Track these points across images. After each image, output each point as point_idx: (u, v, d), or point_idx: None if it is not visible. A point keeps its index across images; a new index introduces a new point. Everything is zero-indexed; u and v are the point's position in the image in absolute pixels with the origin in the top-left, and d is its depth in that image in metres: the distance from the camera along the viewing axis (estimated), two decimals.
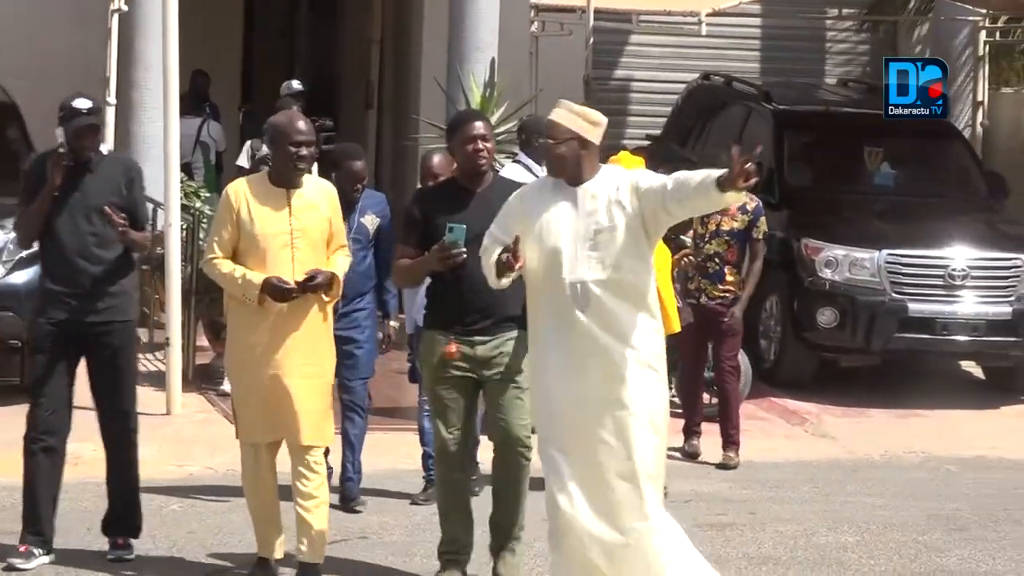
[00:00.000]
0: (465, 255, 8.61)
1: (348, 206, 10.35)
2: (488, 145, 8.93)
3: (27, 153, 13.49)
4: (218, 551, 9.83)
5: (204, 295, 14.28)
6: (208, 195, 16.92)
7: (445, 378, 8.96)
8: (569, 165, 8.23)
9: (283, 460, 9.02)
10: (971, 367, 16.37)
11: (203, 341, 14.67)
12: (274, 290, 8.69)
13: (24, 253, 12.22)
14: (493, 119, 16.04)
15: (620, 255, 8.09)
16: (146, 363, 14.71)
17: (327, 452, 10.37)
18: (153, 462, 11.80)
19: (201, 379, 14.29)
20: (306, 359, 8.88)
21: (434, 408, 9.12)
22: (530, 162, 12.26)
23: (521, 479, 9.00)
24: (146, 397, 13.50)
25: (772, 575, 9.79)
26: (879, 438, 13.84)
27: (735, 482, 12.12)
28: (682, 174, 8.05)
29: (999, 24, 19.24)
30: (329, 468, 10.41)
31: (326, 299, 8.93)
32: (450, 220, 8.71)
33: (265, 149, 14.08)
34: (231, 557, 9.61)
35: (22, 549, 9.19)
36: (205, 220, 15.25)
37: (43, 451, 9.23)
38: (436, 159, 10.63)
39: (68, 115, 9.16)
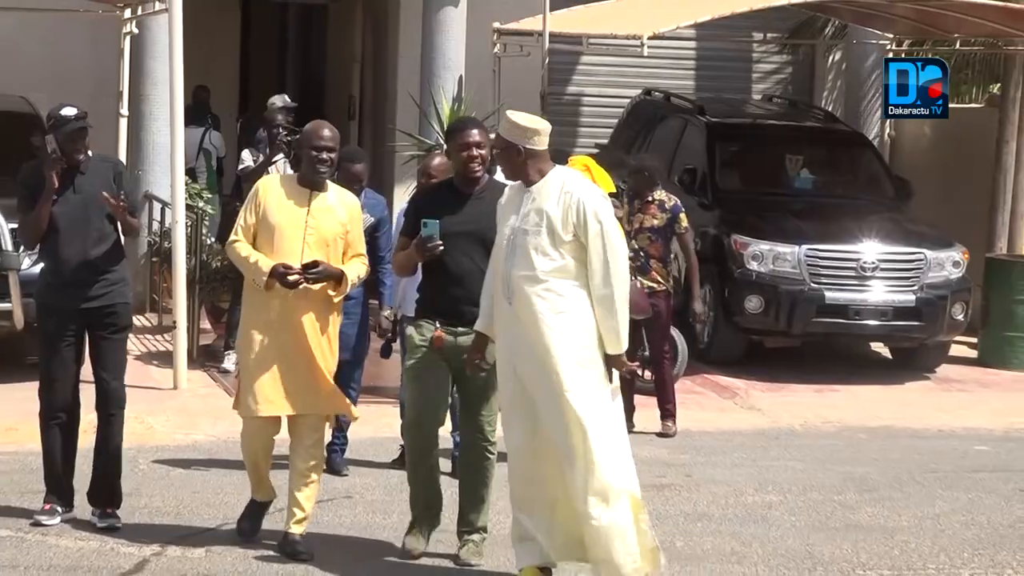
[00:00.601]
0: (441, 247, 8.51)
1: None
2: (482, 152, 8.68)
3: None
4: (219, 508, 9.83)
5: (207, 283, 14.30)
6: (210, 196, 16.93)
7: (426, 361, 8.71)
8: (509, 168, 8.33)
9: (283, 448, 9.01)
10: (880, 348, 16.44)
11: (206, 324, 14.69)
12: (279, 276, 8.57)
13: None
14: None
15: (538, 254, 8.10)
16: (155, 344, 14.70)
17: (343, 427, 10.57)
18: (162, 431, 11.82)
19: (204, 358, 14.30)
20: (312, 340, 8.72)
21: (410, 388, 8.85)
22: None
23: (486, 475, 8.81)
24: (155, 374, 13.55)
25: (706, 531, 9.82)
26: (799, 410, 13.89)
27: (673, 449, 12.14)
28: (606, 303, 8.06)
29: (904, 47, 19.28)
30: (346, 439, 10.81)
31: (332, 294, 8.74)
32: (444, 218, 8.58)
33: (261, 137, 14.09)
34: (231, 512, 9.61)
35: (46, 507, 9.24)
36: (207, 218, 15.25)
37: (58, 426, 9.23)
38: (436, 160, 10.41)
39: (59, 123, 9.08)
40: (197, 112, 19.34)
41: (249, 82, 24.91)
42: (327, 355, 8.82)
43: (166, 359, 13.67)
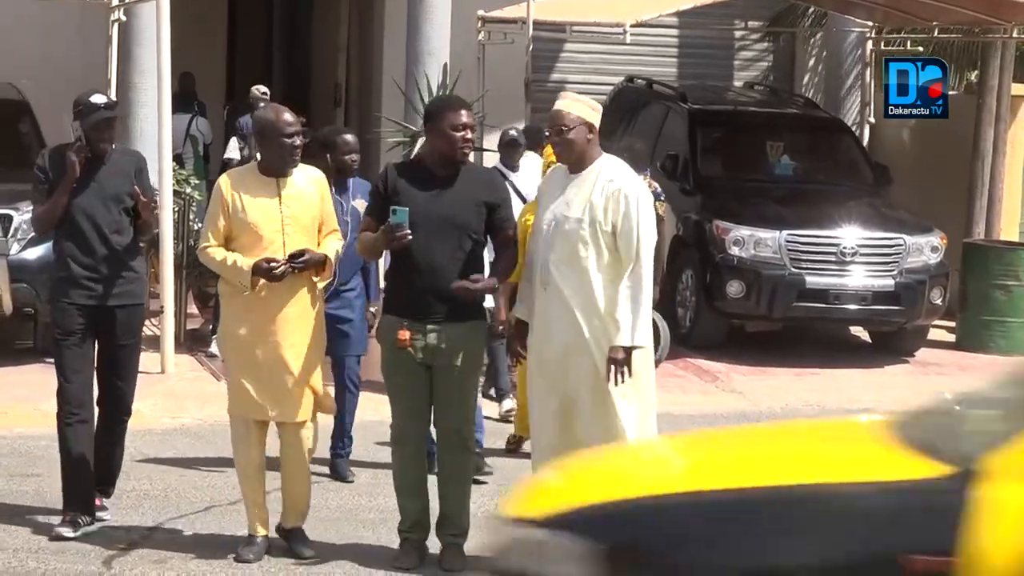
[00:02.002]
0: (409, 236, 7.98)
1: (343, 184, 9.93)
2: (471, 136, 8.24)
3: (38, 144, 13.43)
4: (207, 491, 9.83)
5: (193, 268, 14.27)
6: (197, 182, 16.86)
7: (399, 362, 8.26)
8: (570, 150, 8.06)
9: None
10: (859, 332, 16.45)
11: (193, 309, 14.67)
12: (264, 272, 8.20)
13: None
14: None
15: (580, 243, 7.98)
16: (143, 328, 14.67)
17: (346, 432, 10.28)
18: (150, 415, 11.78)
19: (191, 342, 14.28)
20: (297, 336, 8.34)
21: (389, 392, 8.48)
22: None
23: (466, 474, 8.50)
24: (143, 358, 13.45)
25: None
26: (780, 393, 13.90)
27: (658, 430, 12.13)
28: (631, 289, 7.95)
29: (883, 35, 19.29)
30: (351, 442, 10.36)
31: (316, 279, 8.39)
32: (416, 202, 8.09)
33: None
34: (218, 495, 9.60)
35: (67, 517, 8.70)
36: (194, 204, 15.21)
37: (78, 423, 8.70)
38: None
39: (87, 110, 8.64)
40: (184, 99, 19.31)
41: (236, 70, 24.88)
42: (313, 350, 8.45)
43: (153, 343, 13.63)
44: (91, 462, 8.76)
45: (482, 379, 10.83)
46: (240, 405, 8.48)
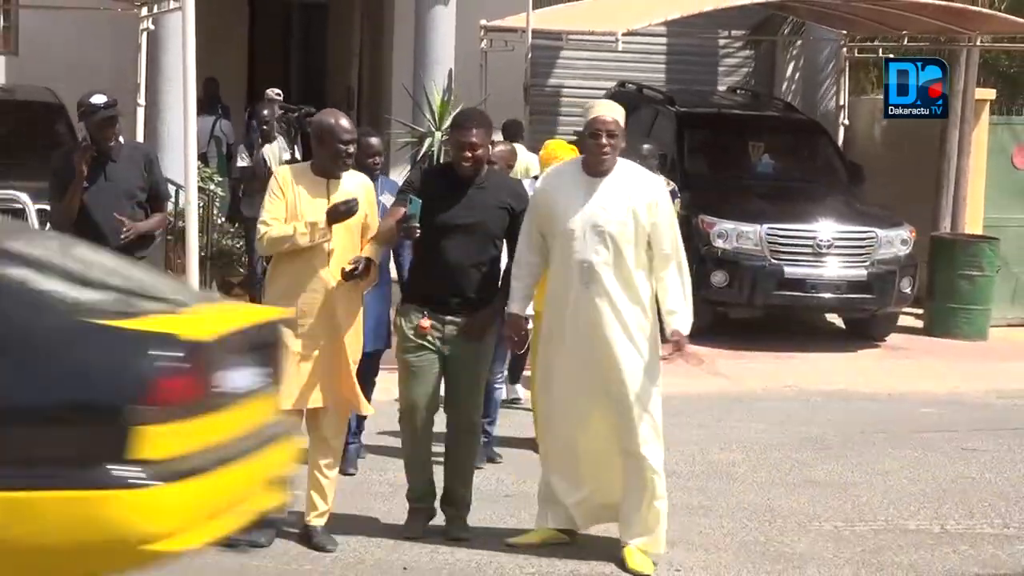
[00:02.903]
0: (419, 229, 7.80)
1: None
2: (477, 153, 7.96)
3: (73, 145, 13.41)
4: None
5: (217, 259, 14.26)
6: (220, 180, 16.89)
7: (415, 347, 8.08)
8: (606, 154, 7.84)
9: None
10: (834, 319, 16.44)
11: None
12: (337, 212, 7.74)
13: None
14: (449, 119, 16.02)
15: (625, 243, 7.82)
16: None
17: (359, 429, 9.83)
18: None
19: None
20: (338, 332, 7.95)
21: (402, 375, 8.23)
22: None
23: (473, 453, 8.44)
24: None
25: (675, 486, 9.74)
26: (761, 376, 13.89)
27: None
28: (681, 278, 7.99)
29: (856, 43, 19.26)
30: (359, 441, 9.87)
31: (362, 283, 8.02)
32: (445, 206, 7.94)
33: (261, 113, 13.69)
34: None
35: None
36: (218, 199, 15.20)
37: None
38: (497, 149, 9.70)
39: (88, 111, 8.52)
40: (208, 103, 19.29)
41: (256, 75, 24.84)
42: (355, 345, 8.10)
43: None
44: None
45: (504, 372, 10.79)
46: (287, 394, 7.74)
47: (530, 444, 9.79)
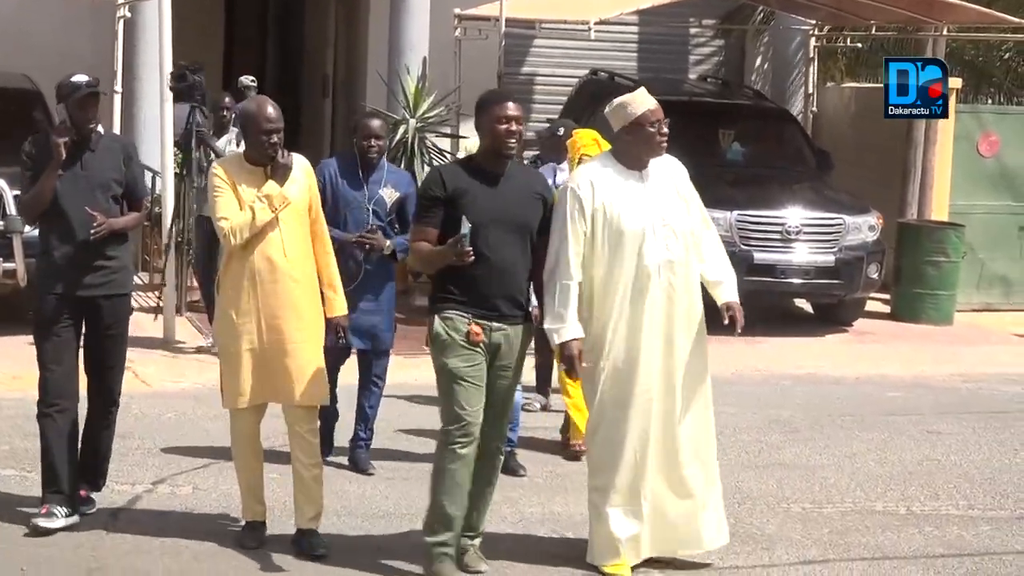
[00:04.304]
0: (472, 255, 7.10)
1: (366, 169, 9.14)
2: (520, 128, 7.31)
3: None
4: (205, 450, 9.79)
5: (192, 244, 14.21)
6: None
7: (468, 355, 7.24)
8: (653, 148, 7.48)
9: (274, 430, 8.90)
10: (803, 304, 16.47)
11: (193, 282, 14.60)
12: (276, 171, 7.58)
13: None
14: (423, 106, 16.01)
15: (692, 237, 7.56)
16: (147, 300, 14.60)
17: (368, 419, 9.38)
18: (153, 379, 11.75)
19: (190, 311, 14.23)
20: (299, 323, 7.65)
21: (448, 387, 7.27)
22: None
23: (495, 477, 7.61)
24: (148, 326, 13.43)
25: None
26: (731, 359, 13.86)
27: None
28: (716, 252, 7.70)
29: (825, 32, 19.28)
30: (371, 433, 9.40)
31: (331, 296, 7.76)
32: (477, 203, 7.21)
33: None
34: (217, 454, 9.57)
35: (43, 510, 7.89)
36: (193, 186, 15.14)
37: (57, 414, 7.90)
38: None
39: (69, 89, 7.83)
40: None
41: (233, 62, 24.76)
42: (319, 335, 7.77)
43: (153, 313, 13.59)
44: (71, 454, 7.98)
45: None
46: (235, 393, 7.77)
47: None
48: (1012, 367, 14.15)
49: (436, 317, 7.30)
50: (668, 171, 7.70)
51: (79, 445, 8.12)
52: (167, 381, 11.83)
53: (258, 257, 7.63)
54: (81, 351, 8.11)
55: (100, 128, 8.12)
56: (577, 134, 10.25)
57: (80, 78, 7.91)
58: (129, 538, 7.95)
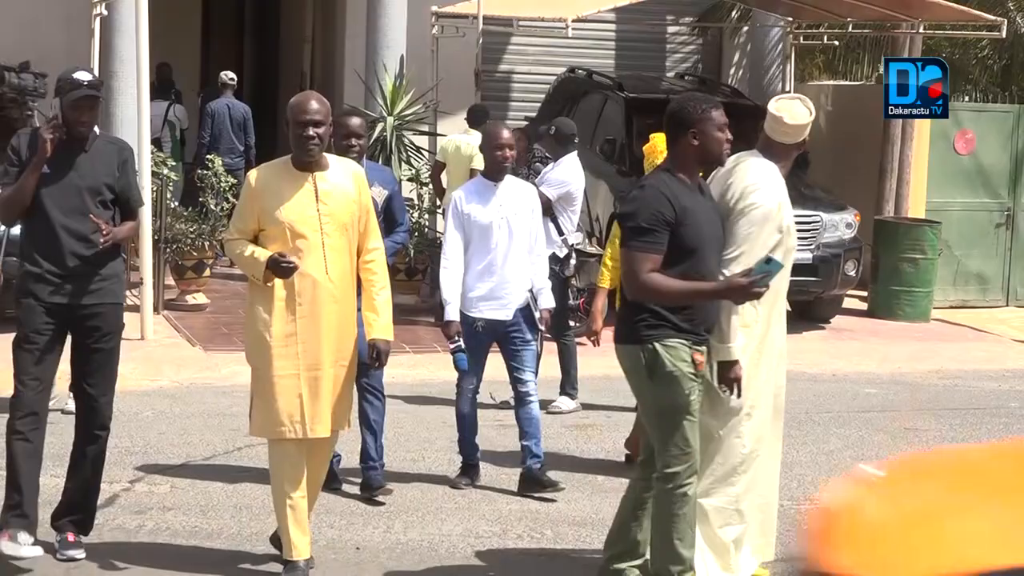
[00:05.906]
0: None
1: None
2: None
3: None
4: (183, 448, 9.77)
5: (171, 243, 14.21)
6: (174, 164, 16.80)
7: (693, 388, 6.61)
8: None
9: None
10: None
11: (170, 280, 14.59)
12: (277, 267, 6.85)
13: None
14: (401, 104, 16.01)
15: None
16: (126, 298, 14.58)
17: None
18: (130, 378, 11.69)
19: (168, 309, 14.22)
20: (339, 349, 7.07)
21: (680, 424, 6.59)
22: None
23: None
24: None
25: (624, 466, 9.82)
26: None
27: (595, 392, 12.12)
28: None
29: (803, 30, 19.31)
30: (337, 455, 8.71)
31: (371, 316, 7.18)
32: (699, 216, 6.72)
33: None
34: (194, 451, 9.54)
35: (6, 535, 7.21)
36: (171, 184, 15.13)
37: (31, 432, 7.22)
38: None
39: (69, 86, 7.14)
40: (162, 87, 19.17)
41: (210, 59, 24.75)
42: (354, 357, 7.21)
43: (133, 311, 13.56)
44: (37, 476, 7.35)
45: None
46: (272, 423, 7.03)
47: None
48: (988, 363, 14.21)
49: (656, 346, 6.62)
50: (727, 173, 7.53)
51: (65, 479, 7.66)
52: (145, 380, 11.79)
53: (297, 274, 6.97)
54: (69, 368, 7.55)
55: (97, 128, 7.48)
56: (654, 139, 9.98)
57: (82, 76, 7.26)
58: (107, 536, 7.92)
